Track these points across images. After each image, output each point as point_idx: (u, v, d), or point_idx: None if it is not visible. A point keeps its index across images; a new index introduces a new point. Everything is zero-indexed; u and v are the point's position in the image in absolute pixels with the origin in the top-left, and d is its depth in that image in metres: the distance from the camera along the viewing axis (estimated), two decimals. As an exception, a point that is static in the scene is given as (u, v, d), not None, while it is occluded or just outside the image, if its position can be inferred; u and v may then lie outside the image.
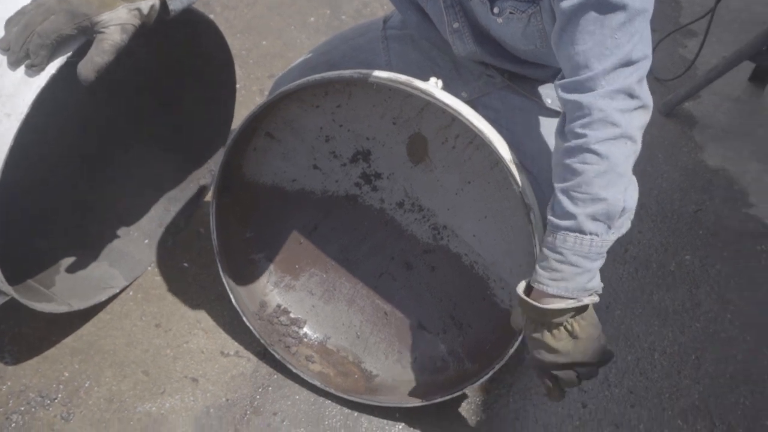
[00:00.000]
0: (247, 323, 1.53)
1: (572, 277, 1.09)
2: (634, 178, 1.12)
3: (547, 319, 1.11)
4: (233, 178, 1.50)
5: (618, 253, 1.86)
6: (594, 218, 1.06)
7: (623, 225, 1.11)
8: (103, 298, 1.59)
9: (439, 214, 1.49)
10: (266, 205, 1.56)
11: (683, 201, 2.06)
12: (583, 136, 1.07)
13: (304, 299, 1.61)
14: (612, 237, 1.09)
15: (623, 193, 1.07)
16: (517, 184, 1.20)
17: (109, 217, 1.74)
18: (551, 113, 1.42)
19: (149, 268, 1.72)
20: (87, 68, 1.12)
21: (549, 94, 1.43)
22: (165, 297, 1.67)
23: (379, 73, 1.25)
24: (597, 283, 1.12)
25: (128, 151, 1.74)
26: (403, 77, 1.23)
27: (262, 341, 1.54)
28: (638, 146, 1.09)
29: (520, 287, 1.14)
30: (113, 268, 1.67)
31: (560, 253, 1.09)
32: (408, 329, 1.55)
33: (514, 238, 1.39)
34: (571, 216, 1.07)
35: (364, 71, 1.25)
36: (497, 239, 1.42)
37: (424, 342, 1.53)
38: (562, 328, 1.12)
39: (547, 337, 1.13)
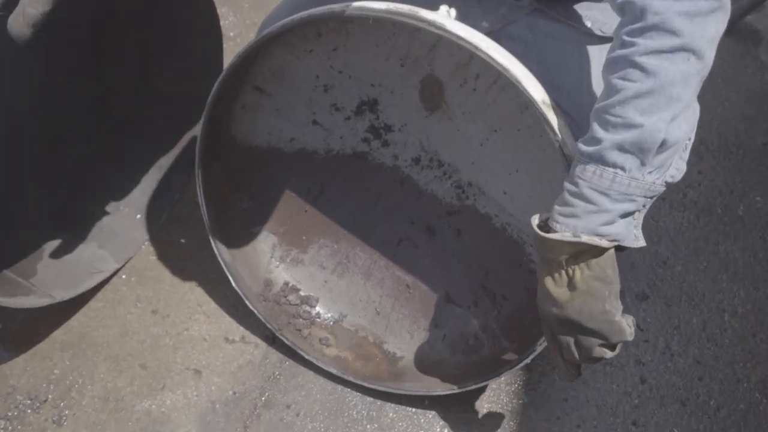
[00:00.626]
0: (251, 307, 1.35)
1: (585, 214, 0.90)
2: (695, 106, 0.90)
3: (547, 255, 0.94)
4: (221, 141, 1.29)
5: (675, 199, 1.61)
6: (621, 148, 0.86)
7: (667, 164, 0.89)
8: (93, 284, 1.42)
9: (463, 170, 1.26)
10: (263, 170, 1.36)
11: (749, 132, 1.79)
12: (630, 45, 0.86)
13: (314, 274, 1.42)
14: (648, 177, 0.88)
15: (667, 123, 0.85)
16: (552, 130, 0.97)
17: (95, 193, 1.55)
18: (593, 39, 1.17)
19: (143, 246, 1.54)
20: (18, 22, 0.92)
21: (589, 15, 1.17)
22: (161, 279, 1.49)
23: (377, 5, 1.01)
24: (617, 231, 0.91)
25: (109, 118, 1.54)
26: (405, 7, 0.99)
27: (269, 326, 1.35)
28: (707, 63, 0.86)
29: (534, 219, 0.96)
30: (103, 249, 1.50)
31: (575, 184, 0.90)
32: (434, 303, 1.34)
33: (552, 195, 1.15)
34: (596, 141, 0.88)
35: (359, 3, 1.02)
36: (532, 196, 1.19)
37: (454, 317, 1.33)
38: (563, 272, 0.94)
39: (548, 280, 0.95)
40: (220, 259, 1.32)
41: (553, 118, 0.98)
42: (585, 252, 0.91)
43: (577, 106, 1.13)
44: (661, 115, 0.85)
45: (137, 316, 1.44)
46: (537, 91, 0.98)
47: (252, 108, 1.28)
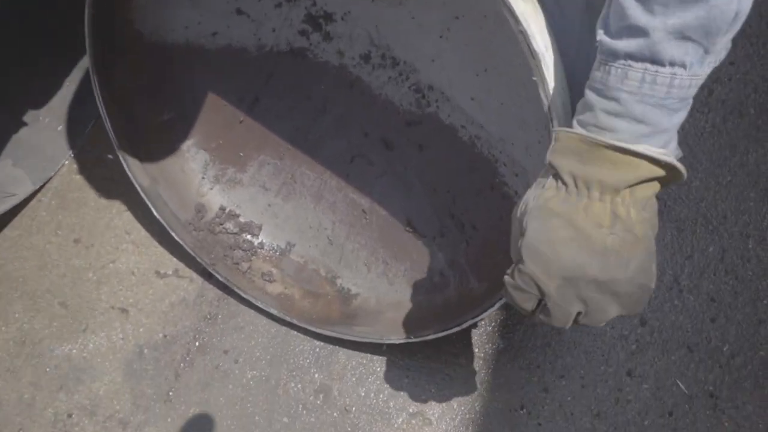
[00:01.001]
0: (177, 238, 1.14)
1: (634, 140, 0.63)
2: None
3: (598, 175, 0.65)
4: (124, 37, 1.05)
5: (698, 97, 1.32)
6: (682, 35, 0.60)
7: (728, 47, 0.63)
8: (5, 209, 1.23)
9: (421, 69, 1.00)
10: (185, 72, 1.11)
11: (796, 11, 1.47)
12: None
13: (256, 197, 1.19)
14: (707, 69, 0.63)
15: None
16: (514, 18, 0.71)
17: (8, 100, 1.32)
18: None
19: (64, 163, 1.32)
20: None
21: None
22: (85, 202, 1.28)
23: None
24: (675, 152, 0.66)
25: (18, 9, 1.28)
26: None
27: (199, 260, 1.15)
28: None
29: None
30: (18, 167, 1.29)
31: (616, 99, 0.64)
32: (395, 231, 1.12)
33: (529, 101, 0.90)
34: (641, 32, 0.61)
35: None
36: (506, 103, 0.93)
37: (417, 249, 1.11)
38: (610, 207, 0.66)
39: (581, 215, 0.66)
40: (135, 183, 1.11)
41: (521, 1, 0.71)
42: (646, 185, 0.66)
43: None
44: None
45: (57, 246, 1.25)
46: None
47: (158, -3, 1.02)
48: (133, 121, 1.10)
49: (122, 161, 1.09)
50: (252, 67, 1.10)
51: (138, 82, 1.09)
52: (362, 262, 1.15)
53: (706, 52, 0.61)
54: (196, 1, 1.04)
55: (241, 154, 1.18)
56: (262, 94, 1.12)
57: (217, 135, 1.17)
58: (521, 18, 0.70)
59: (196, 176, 1.18)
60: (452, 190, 1.06)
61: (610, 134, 0.64)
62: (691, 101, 0.64)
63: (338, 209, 1.16)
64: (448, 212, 1.07)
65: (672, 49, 0.60)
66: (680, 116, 0.64)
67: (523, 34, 0.71)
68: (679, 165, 0.64)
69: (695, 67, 0.61)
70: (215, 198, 1.19)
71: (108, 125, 1.06)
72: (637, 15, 0.61)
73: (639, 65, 0.62)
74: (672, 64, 0.61)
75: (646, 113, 0.63)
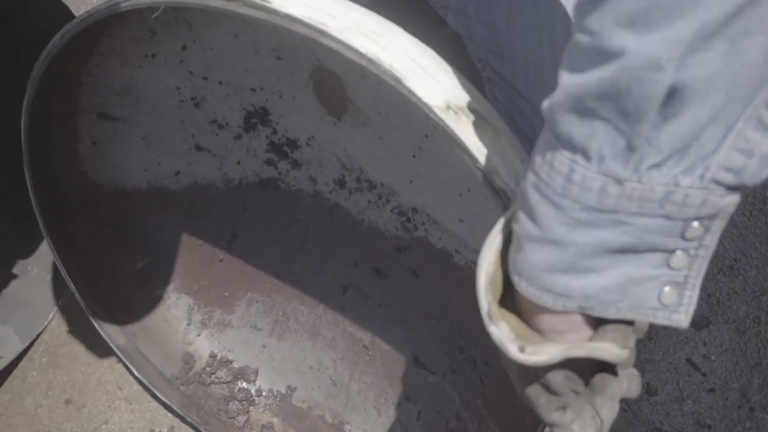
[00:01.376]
0: (164, 398, 1.03)
1: (527, 243, 0.44)
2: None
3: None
4: (79, 190, 0.96)
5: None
6: (583, 106, 0.40)
7: (701, 145, 0.39)
8: (-7, 374, 1.14)
9: (401, 191, 0.87)
10: (151, 216, 1.01)
11: None
12: None
13: (248, 339, 1.07)
14: (647, 180, 0.40)
15: (682, 48, 0.36)
16: (466, 151, 0.57)
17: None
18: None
19: (53, 315, 1.24)
20: None
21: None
22: (76, 356, 1.19)
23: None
24: (586, 288, 0.43)
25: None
26: None
27: (190, 420, 1.03)
28: None
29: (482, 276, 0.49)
30: (6, 325, 1.21)
31: (524, 176, 0.45)
32: (402, 368, 0.98)
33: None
34: (555, 91, 0.42)
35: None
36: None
37: (428, 388, 0.96)
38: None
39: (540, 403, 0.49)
40: (111, 344, 1.00)
41: (466, 130, 0.57)
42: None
43: (540, 84, 0.71)
44: (670, 29, 0.36)
45: (48, 409, 1.15)
46: (437, 89, 0.58)
47: (107, 141, 0.93)
48: (102, 276, 1.00)
49: (94, 324, 0.99)
50: (223, 203, 0.99)
51: (102, 235, 1.00)
52: (371, 404, 1.01)
53: (630, 147, 0.38)
54: (150, 141, 0.94)
55: (227, 293, 1.06)
56: (239, 229, 1.01)
57: (198, 276, 1.06)
58: (475, 153, 0.57)
59: (180, 324, 1.07)
60: (457, 321, 0.91)
61: (516, 225, 0.45)
62: (625, 221, 0.40)
63: (338, 346, 1.02)
64: (456, 346, 0.92)
65: (569, 124, 0.40)
66: (593, 236, 0.41)
67: (484, 172, 0.57)
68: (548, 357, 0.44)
69: (610, 164, 0.39)
70: (204, 344, 1.08)
71: (73, 288, 0.97)
72: (561, 70, 0.42)
73: (543, 135, 0.44)
74: (568, 146, 0.40)
75: (538, 206, 0.43)
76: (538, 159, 0.43)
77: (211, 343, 1.08)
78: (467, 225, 0.83)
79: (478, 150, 0.57)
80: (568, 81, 0.40)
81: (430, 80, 0.58)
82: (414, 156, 0.82)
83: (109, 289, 1.01)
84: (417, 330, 0.95)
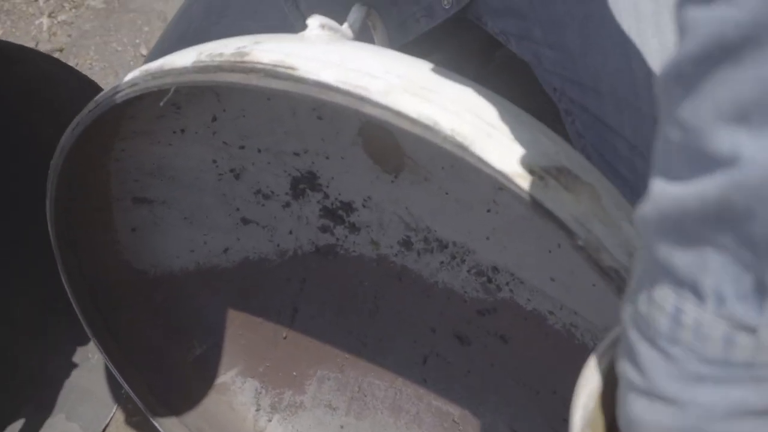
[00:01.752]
0: (238, 497, 0.93)
1: (629, 393, 0.32)
2: None
3: None
4: (124, 284, 0.88)
5: None
6: (685, 232, 0.28)
7: None
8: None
9: (477, 249, 0.75)
10: (205, 298, 0.92)
11: None
12: None
13: (324, 420, 0.97)
14: None
15: None
16: (563, 225, 0.45)
17: (55, 342, 1.20)
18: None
19: (117, 407, 1.17)
20: None
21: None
22: (145, 449, 1.11)
23: (183, 58, 0.53)
24: None
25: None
26: (256, 58, 0.51)
27: None
28: None
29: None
30: (72, 421, 1.14)
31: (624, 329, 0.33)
32: (500, 444, 0.85)
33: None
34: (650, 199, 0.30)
35: (160, 62, 0.55)
36: (600, 284, 0.66)
37: (533, 466, 0.83)
38: None
39: None
40: (175, 441, 0.92)
41: (557, 197, 0.45)
42: None
43: (636, 115, 0.59)
44: None
45: None
46: (513, 150, 0.46)
47: (148, 226, 0.85)
48: (158, 369, 0.91)
49: (155, 423, 0.91)
50: (279, 276, 0.89)
51: (152, 324, 0.91)
52: (469, 485, 0.89)
53: (763, 285, 0.26)
54: (192, 220, 0.85)
55: (295, 373, 0.96)
56: (300, 302, 0.91)
57: (262, 357, 0.96)
58: (573, 227, 0.44)
59: (249, 410, 0.98)
60: (559, 390, 0.78)
61: (617, 363, 0.35)
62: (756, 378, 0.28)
63: (424, 422, 0.90)
64: (562, 419, 0.79)
65: (668, 250, 0.28)
66: (724, 396, 0.28)
67: (587, 250, 0.44)
68: None
69: (734, 307, 0.27)
70: (277, 431, 0.98)
71: (126, 387, 0.88)
72: (653, 177, 0.30)
73: (638, 253, 0.33)
74: (671, 279, 0.29)
75: (640, 348, 0.31)
76: (633, 282, 0.30)
77: (284, 428, 0.98)
78: (561, 284, 0.71)
79: (576, 222, 0.44)
80: (662, 192, 0.28)
81: (504, 139, 0.46)
82: (488, 210, 0.70)
83: (167, 381, 0.92)
84: (513, 401, 0.82)
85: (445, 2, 0.69)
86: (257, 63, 0.48)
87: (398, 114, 0.45)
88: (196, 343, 0.95)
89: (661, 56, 0.58)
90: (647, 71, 0.58)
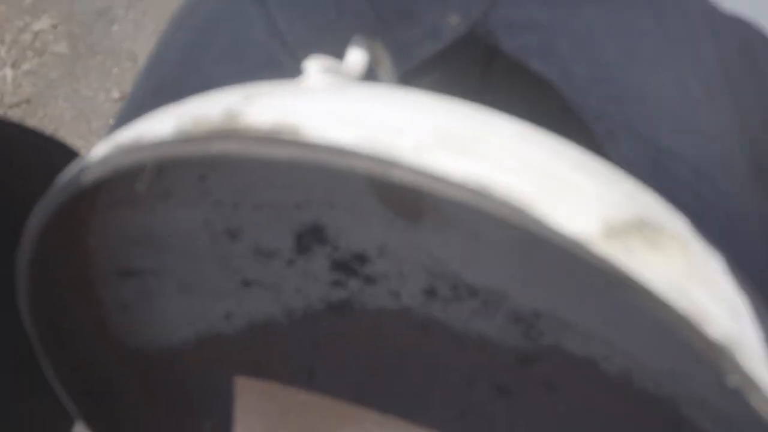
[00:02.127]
0: None
1: None
2: None
3: None
4: (122, 362, 0.78)
5: None
6: None
7: None
8: None
9: (514, 294, 0.67)
10: (210, 370, 0.83)
11: None
12: None
13: (355, 487, 0.88)
14: None
15: None
16: (657, 300, 0.36)
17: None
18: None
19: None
20: None
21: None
22: None
23: (162, 127, 0.44)
24: None
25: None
26: (253, 121, 0.42)
27: None
28: None
29: None
30: None
31: None
32: (554, 501, 0.76)
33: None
34: None
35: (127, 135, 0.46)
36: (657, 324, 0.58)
37: None
38: None
39: None
40: None
41: (646, 262, 0.36)
42: None
43: (695, 134, 0.50)
44: None
45: None
46: (585, 205, 0.37)
47: (139, 299, 0.76)
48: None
49: None
50: (289, 339, 0.80)
51: (155, 405, 0.82)
52: None
53: None
54: (189, 288, 0.76)
55: (318, 438, 0.87)
56: (316, 365, 0.82)
57: (281, 425, 0.87)
58: (670, 297, 0.36)
59: (271, 486, 0.88)
60: (619, 439, 0.69)
61: None
62: None
63: (467, 480, 0.82)
64: (624, 470, 0.70)
65: None
66: None
67: (689, 326, 0.36)
68: None
69: None
70: (305, 505, 0.89)
71: (132, 479, 0.79)
72: None
73: None
74: None
75: None
76: None
77: (312, 500, 0.89)
78: (614, 326, 0.62)
79: (671, 289, 0.36)
80: None
81: (572, 191, 0.37)
82: (527, 253, 0.61)
83: (178, 466, 0.83)
84: (567, 455, 0.74)
85: (452, 20, 0.60)
86: (252, 127, 0.39)
87: (437, 178, 0.36)
88: (205, 418, 0.85)
89: (718, 63, 0.49)
90: (706, 82, 0.49)
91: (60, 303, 0.68)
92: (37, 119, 1.48)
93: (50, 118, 1.49)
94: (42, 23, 1.58)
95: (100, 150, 0.47)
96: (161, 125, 0.44)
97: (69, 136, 1.48)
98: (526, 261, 0.62)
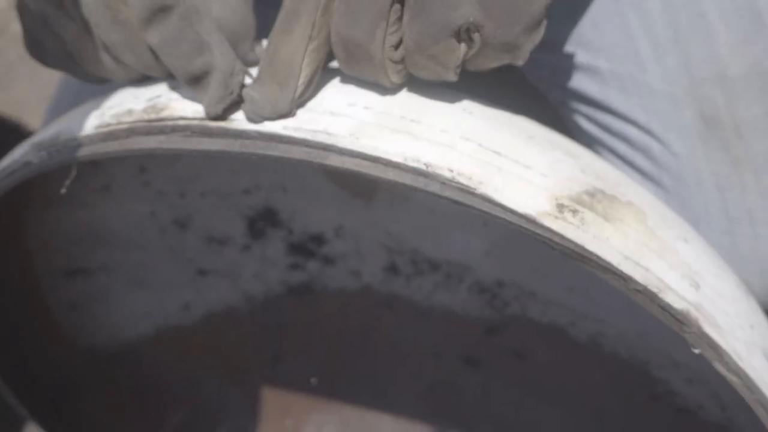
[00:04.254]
0: None
1: None
2: None
3: None
4: (78, 365, 0.75)
5: None
6: None
7: None
8: None
9: (476, 266, 0.65)
10: (172, 362, 0.81)
11: None
12: None
13: (330, 467, 0.87)
14: None
15: None
16: (611, 270, 0.34)
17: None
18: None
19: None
20: None
21: None
22: None
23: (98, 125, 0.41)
24: None
25: None
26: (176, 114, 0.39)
27: None
28: None
29: None
30: None
31: None
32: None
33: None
34: None
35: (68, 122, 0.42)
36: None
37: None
38: None
39: None
40: None
41: (599, 234, 0.35)
42: None
43: (646, 94, 0.49)
44: None
45: None
46: (533, 183, 0.35)
47: (89, 298, 0.73)
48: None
49: None
50: (251, 326, 0.78)
51: (121, 407, 0.79)
52: None
53: None
54: (141, 282, 0.73)
55: (289, 422, 0.86)
56: (281, 349, 0.80)
57: (250, 410, 0.85)
58: (624, 268, 0.34)
59: (245, 473, 0.87)
60: (591, 403, 0.69)
61: None
62: None
63: (441, 453, 0.81)
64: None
65: None
66: None
67: (647, 295, 0.34)
68: None
69: None
70: (281, 490, 0.87)
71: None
72: None
73: None
74: None
75: None
76: None
77: (288, 484, 0.87)
78: (581, 292, 0.61)
79: (629, 261, 0.34)
80: None
81: (518, 170, 0.35)
82: (486, 224, 0.60)
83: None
84: (541, 422, 0.73)
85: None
86: (179, 119, 0.37)
87: (376, 161, 0.34)
88: (171, 412, 0.83)
89: (666, 15, 0.47)
90: (653, 37, 0.47)
91: (7, 310, 0.65)
92: (-1, 103, 1.41)
93: (12, 102, 1.42)
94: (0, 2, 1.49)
95: (18, 152, 0.43)
96: (81, 122, 0.41)
97: (33, 121, 1.42)
98: (485, 233, 0.60)
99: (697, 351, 0.36)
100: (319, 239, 0.69)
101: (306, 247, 0.70)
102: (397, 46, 0.34)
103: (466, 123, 0.36)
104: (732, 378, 0.36)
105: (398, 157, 0.34)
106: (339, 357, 0.80)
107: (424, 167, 0.34)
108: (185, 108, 0.38)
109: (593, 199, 0.36)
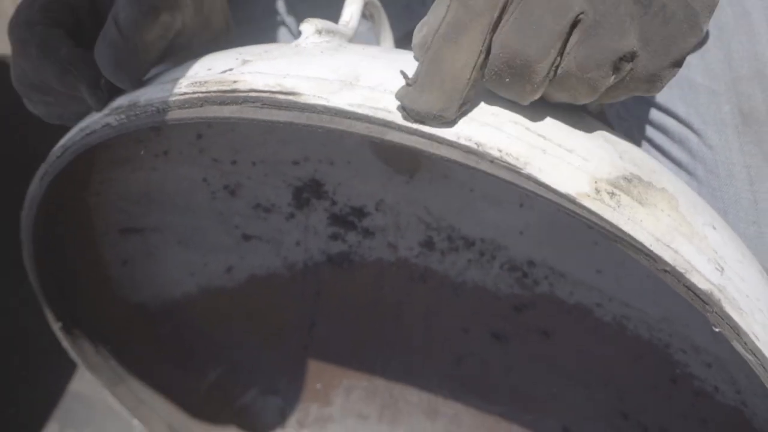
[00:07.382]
0: None
1: None
2: None
3: None
4: (126, 319, 0.80)
5: None
6: None
7: None
8: None
9: (509, 245, 0.68)
10: (213, 321, 0.85)
11: None
12: None
13: (356, 430, 0.91)
14: None
15: None
16: (644, 251, 0.37)
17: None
18: None
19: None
20: None
21: None
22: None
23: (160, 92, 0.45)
24: None
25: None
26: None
27: None
28: None
29: None
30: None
31: None
32: (550, 441, 0.80)
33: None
34: None
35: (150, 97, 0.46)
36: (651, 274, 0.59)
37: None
38: None
39: None
40: (202, 477, 0.85)
41: (634, 217, 0.38)
42: None
43: (687, 87, 0.51)
44: None
45: None
46: (575, 165, 0.38)
47: (141, 256, 0.77)
48: (175, 406, 0.85)
49: (177, 460, 0.84)
50: (290, 291, 0.82)
51: (162, 359, 0.84)
52: (520, 486, 0.83)
53: None
54: (189, 243, 0.77)
55: (319, 386, 0.90)
56: (317, 315, 0.84)
57: (282, 373, 0.90)
58: (656, 249, 0.37)
59: (274, 430, 0.91)
60: (612, 383, 0.72)
61: None
62: None
63: (463, 422, 0.85)
64: (618, 412, 0.73)
65: None
66: None
67: (675, 276, 0.37)
68: None
69: None
70: (308, 448, 0.92)
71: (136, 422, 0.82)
72: None
73: None
74: None
75: None
76: None
77: (315, 444, 0.92)
78: (609, 275, 0.64)
79: (659, 243, 0.37)
80: None
81: (561, 153, 0.38)
82: (521, 205, 0.62)
83: (186, 415, 0.85)
84: (561, 397, 0.76)
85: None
86: (251, 91, 0.40)
87: (432, 138, 0.37)
88: (211, 369, 0.88)
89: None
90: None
91: (65, 262, 0.70)
92: None
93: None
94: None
95: (100, 116, 0.47)
96: (158, 90, 0.44)
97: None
98: (521, 214, 0.63)
99: (717, 329, 0.38)
100: (360, 212, 0.72)
101: (347, 219, 0.73)
102: (557, 67, 0.35)
103: (514, 108, 0.39)
104: (749, 357, 0.39)
105: (452, 135, 0.37)
106: (372, 327, 0.83)
107: (475, 146, 0.37)
108: (256, 81, 0.41)
109: (629, 184, 0.38)
